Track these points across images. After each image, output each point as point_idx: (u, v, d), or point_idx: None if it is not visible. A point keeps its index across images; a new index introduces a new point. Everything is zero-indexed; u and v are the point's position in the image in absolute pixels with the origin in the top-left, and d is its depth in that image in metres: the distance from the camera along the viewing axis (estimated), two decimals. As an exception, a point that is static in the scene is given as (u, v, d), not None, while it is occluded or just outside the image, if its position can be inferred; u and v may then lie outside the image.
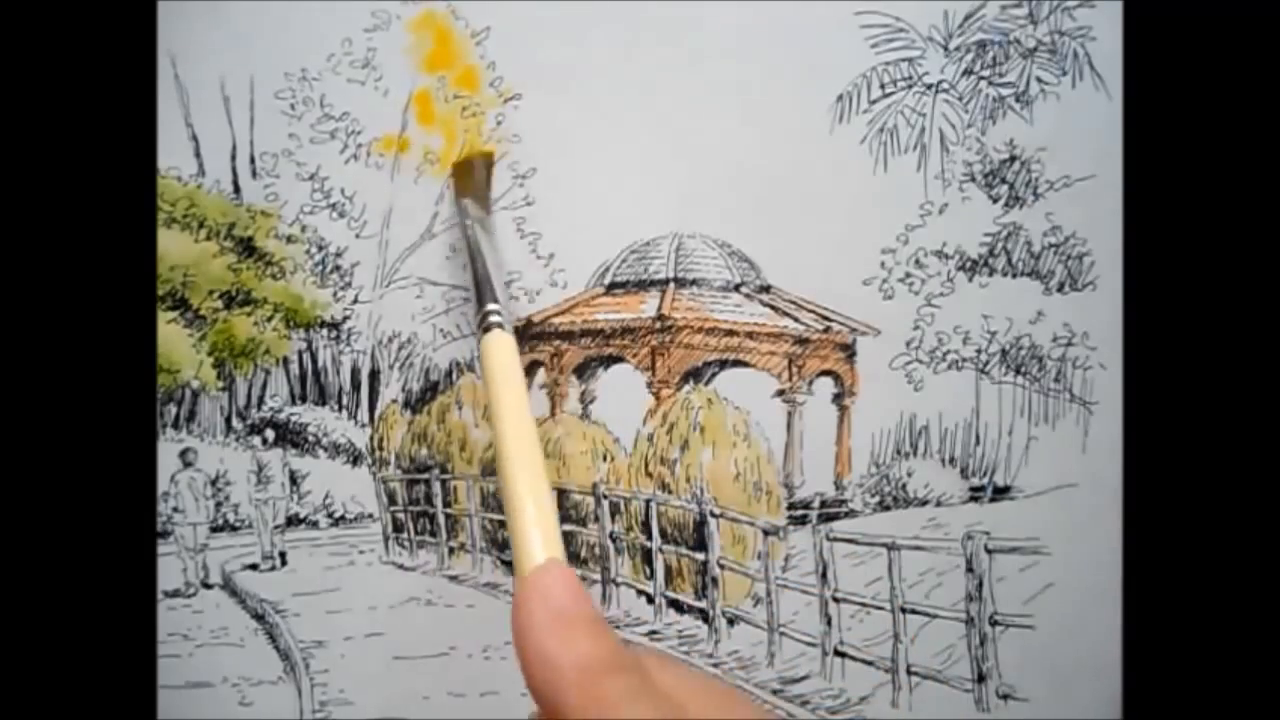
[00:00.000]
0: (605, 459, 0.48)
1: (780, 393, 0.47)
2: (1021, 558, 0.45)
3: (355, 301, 0.46)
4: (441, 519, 0.48)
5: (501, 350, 0.35)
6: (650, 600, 0.48)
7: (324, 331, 0.47)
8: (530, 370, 0.47)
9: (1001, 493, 0.45)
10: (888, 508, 0.46)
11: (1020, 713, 0.45)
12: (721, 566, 0.48)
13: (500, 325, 0.36)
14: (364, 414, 0.47)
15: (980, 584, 0.45)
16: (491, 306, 0.37)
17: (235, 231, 0.46)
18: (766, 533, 0.47)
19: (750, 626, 0.47)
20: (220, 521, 0.48)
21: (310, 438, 0.48)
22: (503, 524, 0.49)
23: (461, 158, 0.44)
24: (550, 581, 0.27)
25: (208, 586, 0.48)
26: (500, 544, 0.49)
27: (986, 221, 0.45)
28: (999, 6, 0.44)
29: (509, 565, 0.49)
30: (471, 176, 0.44)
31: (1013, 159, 0.45)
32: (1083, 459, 0.45)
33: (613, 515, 0.48)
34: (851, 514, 0.46)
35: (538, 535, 0.28)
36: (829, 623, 0.46)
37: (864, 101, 0.44)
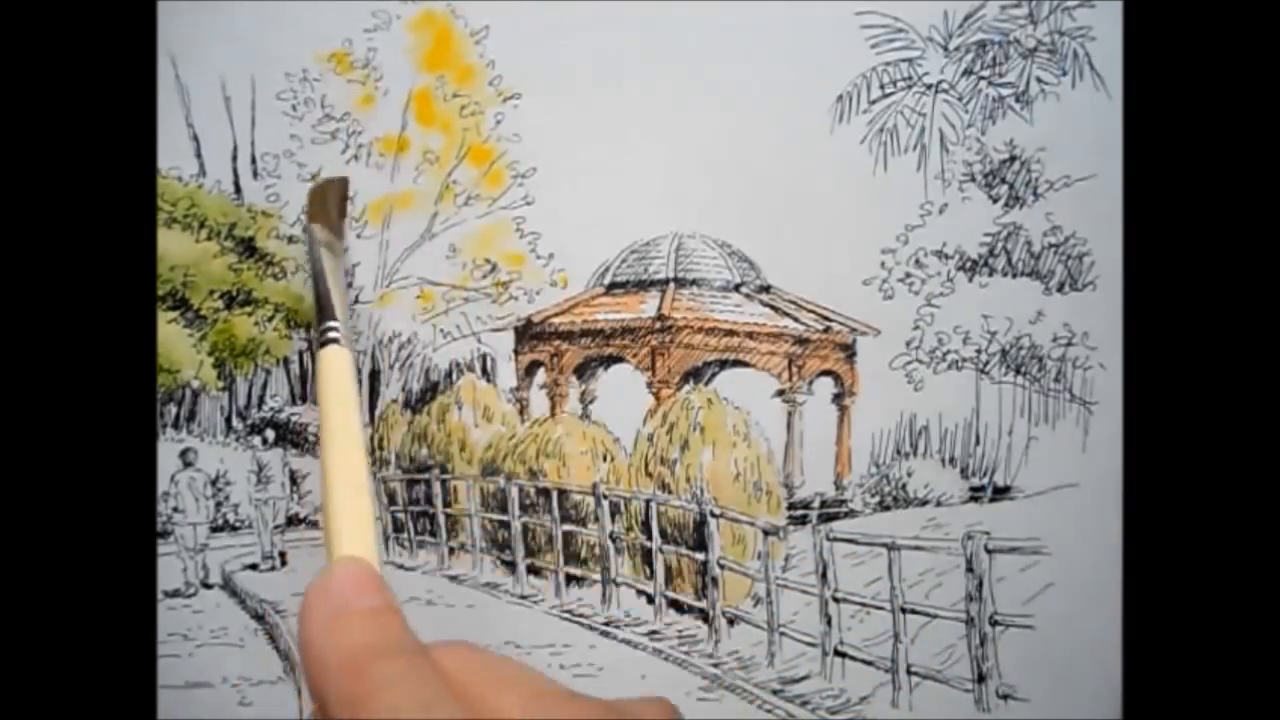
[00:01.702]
0: (605, 459, 0.48)
1: (780, 393, 0.47)
2: (1021, 558, 0.45)
3: (356, 301, 0.46)
4: (441, 519, 0.48)
5: (337, 363, 0.36)
6: (650, 600, 0.48)
7: (324, 331, 0.47)
8: (530, 370, 0.47)
9: (1001, 493, 0.45)
10: (888, 508, 0.46)
11: (1020, 713, 0.45)
12: (721, 566, 0.48)
13: (337, 341, 0.37)
14: (364, 414, 0.47)
15: (980, 584, 0.45)
16: (331, 323, 0.38)
17: (236, 232, 0.46)
18: (766, 533, 0.47)
19: (750, 626, 0.47)
20: (220, 521, 0.48)
21: (310, 438, 0.48)
22: (504, 524, 0.49)
23: (316, 184, 0.45)
24: (335, 577, 0.26)
25: (208, 586, 0.48)
26: (501, 544, 0.49)
27: (986, 221, 0.45)
28: (999, 6, 0.44)
29: (509, 565, 0.49)
30: (325, 202, 0.44)
31: (1013, 159, 0.45)
32: (1083, 459, 0.45)
33: (613, 515, 0.48)
34: (851, 514, 0.46)
35: (345, 527, 0.29)
36: (829, 623, 0.46)
37: (864, 101, 0.44)
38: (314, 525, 0.48)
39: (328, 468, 0.31)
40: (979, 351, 0.45)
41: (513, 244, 0.46)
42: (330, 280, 0.41)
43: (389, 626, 0.25)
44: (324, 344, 0.37)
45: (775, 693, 0.46)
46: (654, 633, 0.48)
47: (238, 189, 0.46)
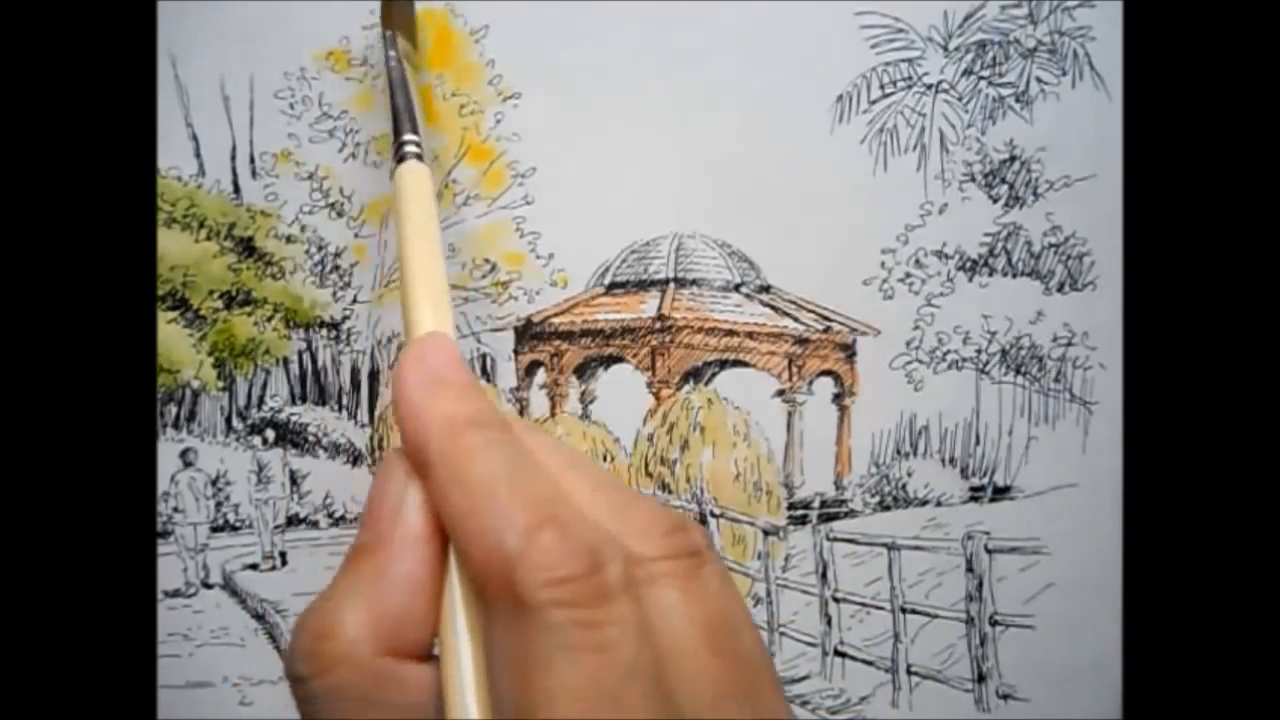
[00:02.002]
0: (605, 459, 0.48)
1: (780, 393, 0.47)
2: (1021, 558, 0.45)
3: (355, 301, 0.46)
4: (441, 519, 0.48)
5: (417, 179, 0.35)
6: (650, 600, 0.48)
7: (324, 331, 0.47)
8: (530, 370, 0.47)
9: (1001, 493, 0.45)
10: (888, 508, 0.46)
11: (1020, 713, 0.45)
12: (721, 566, 0.48)
13: (418, 156, 0.36)
14: (364, 414, 0.47)
15: (980, 584, 0.45)
16: (409, 137, 0.37)
17: (235, 231, 0.46)
18: (766, 533, 0.47)
19: (750, 626, 0.47)
20: (220, 521, 0.48)
21: (310, 438, 0.48)
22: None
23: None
24: (429, 347, 0.28)
25: (208, 586, 0.48)
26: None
27: (986, 221, 0.45)
28: (999, 6, 0.44)
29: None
30: (402, 11, 0.43)
31: (1013, 159, 0.45)
32: (1083, 459, 0.45)
33: (613, 515, 0.48)
34: (851, 514, 0.46)
35: (428, 308, 0.30)
36: (829, 623, 0.46)
37: (864, 101, 0.44)
38: (314, 525, 0.48)
39: (408, 259, 0.32)
40: (979, 351, 0.45)
41: (513, 244, 0.46)
42: (411, 91, 0.39)
43: (481, 401, 0.27)
44: (401, 159, 0.36)
45: (775, 693, 0.46)
46: (654, 633, 0.48)
47: (237, 189, 0.46)
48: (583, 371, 0.48)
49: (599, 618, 0.22)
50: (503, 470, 0.24)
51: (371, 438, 0.47)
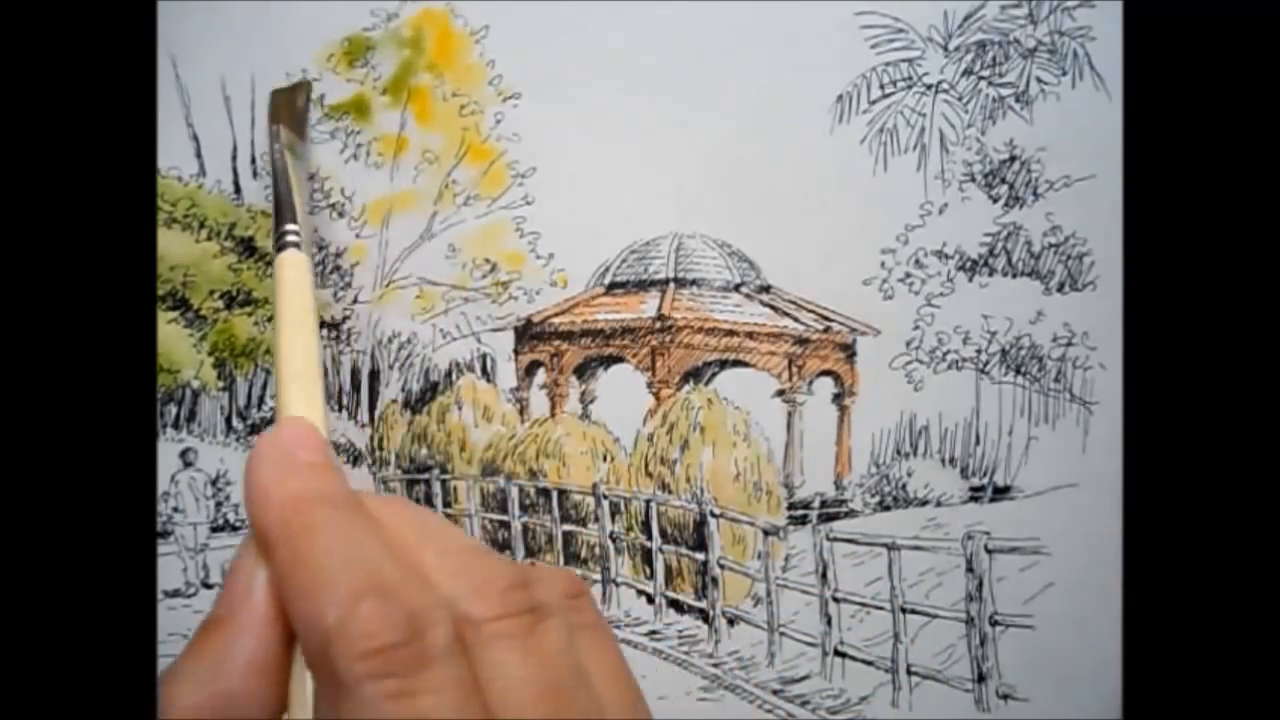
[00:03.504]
0: (605, 459, 0.48)
1: (780, 393, 0.47)
2: (1021, 558, 0.45)
3: (355, 301, 0.46)
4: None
5: (295, 267, 0.35)
6: (650, 600, 0.48)
7: (324, 331, 0.47)
8: (530, 370, 0.47)
9: (1001, 493, 0.45)
10: (888, 508, 0.46)
11: (1020, 713, 0.45)
12: (721, 566, 0.48)
13: (296, 245, 0.36)
14: (364, 414, 0.47)
15: (980, 584, 0.45)
16: (289, 226, 0.37)
17: (236, 231, 0.46)
18: (766, 533, 0.47)
19: (750, 626, 0.47)
20: (220, 521, 0.48)
21: (310, 438, 0.48)
22: (504, 524, 0.49)
23: (279, 88, 0.44)
24: (286, 429, 0.28)
25: (208, 586, 0.48)
26: (501, 544, 0.49)
27: (986, 221, 0.45)
28: (999, 6, 0.44)
29: (509, 565, 0.49)
30: (289, 104, 0.44)
31: (1013, 159, 0.45)
32: (1083, 459, 0.45)
33: (613, 515, 0.48)
34: (851, 514, 0.46)
35: (298, 394, 0.30)
36: (829, 623, 0.46)
37: (864, 101, 0.44)
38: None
39: (281, 349, 0.32)
40: (979, 351, 0.45)
41: (512, 244, 0.46)
42: (292, 182, 0.40)
43: (330, 479, 0.26)
44: (281, 248, 0.36)
45: (775, 693, 0.46)
46: (654, 633, 0.48)
47: (237, 189, 0.46)
48: (583, 371, 0.48)
49: (415, 686, 0.21)
50: (337, 544, 0.24)
51: (371, 438, 0.47)
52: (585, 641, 0.25)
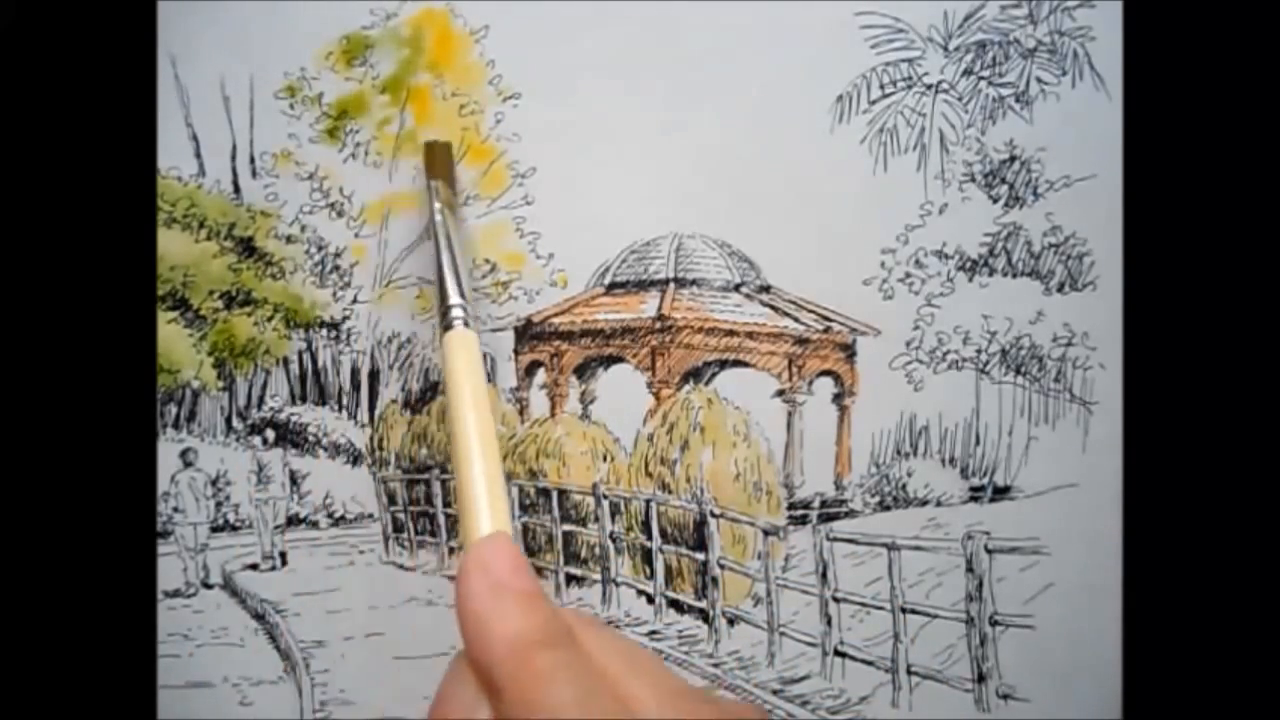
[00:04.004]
0: (605, 459, 0.48)
1: (780, 393, 0.47)
2: (1021, 558, 0.45)
3: (355, 301, 0.46)
4: (441, 519, 0.48)
5: (466, 348, 0.35)
6: (650, 600, 0.48)
7: (324, 331, 0.47)
8: (530, 370, 0.47)
9: (1001, 493, 0.45)
10: (888, 508, 0.46)
11: (1020, 713, 0.45)
12: (721, 566, 0.48)
13: (465, 322, 0.36)
14: (364, 414, 0.47)
15: (980, 584, 0.45)
16: (455, 300, 0.36)
17: (235, 231, 0.46)
18: (766, 533, 0.47)
19: (750, 626, 0.47)
20: (220, 521, 0.48)
21: (310, 438, 0.48)
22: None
23: (432, 140, 0.44)
24: (491, 553, 0.27)
25: (208, 586, 0.48)
26: (500, 544, 0.49)
27: (986, 221, 0.45)
28: (999, 6, 0.44)
29: (509, 565, 0.49)
30: (444, 158, 0.43)
31: (1013, 159, 0.45)
32: (1083, 459, 0.45)
33: (613, 515, 0.48)
34: (851, 514, 0.46)
35: (485, 508, 0.29)
36: (829, 623, 0.46)
37: (864, 101, 0.44)
38: (314, 525, 0.48)
39: (461, 450, 0.31)
40: (979, 351, 0.45)
41: (513, 244, 0.46)
42: (457, 250, 0.38)
43: (546, 613, 0.26)
44: (448, 326, 0.35)
45: (775, 693, 0.46)
46: (654, 633, 0.48)
47: (237, 189, 0.46)
48: (583, 371, 0.48)
49: None
50: (570, 698, 0.24)
51: (371, 438, 0.47)
52: None
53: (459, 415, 0.32)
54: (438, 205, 0.40)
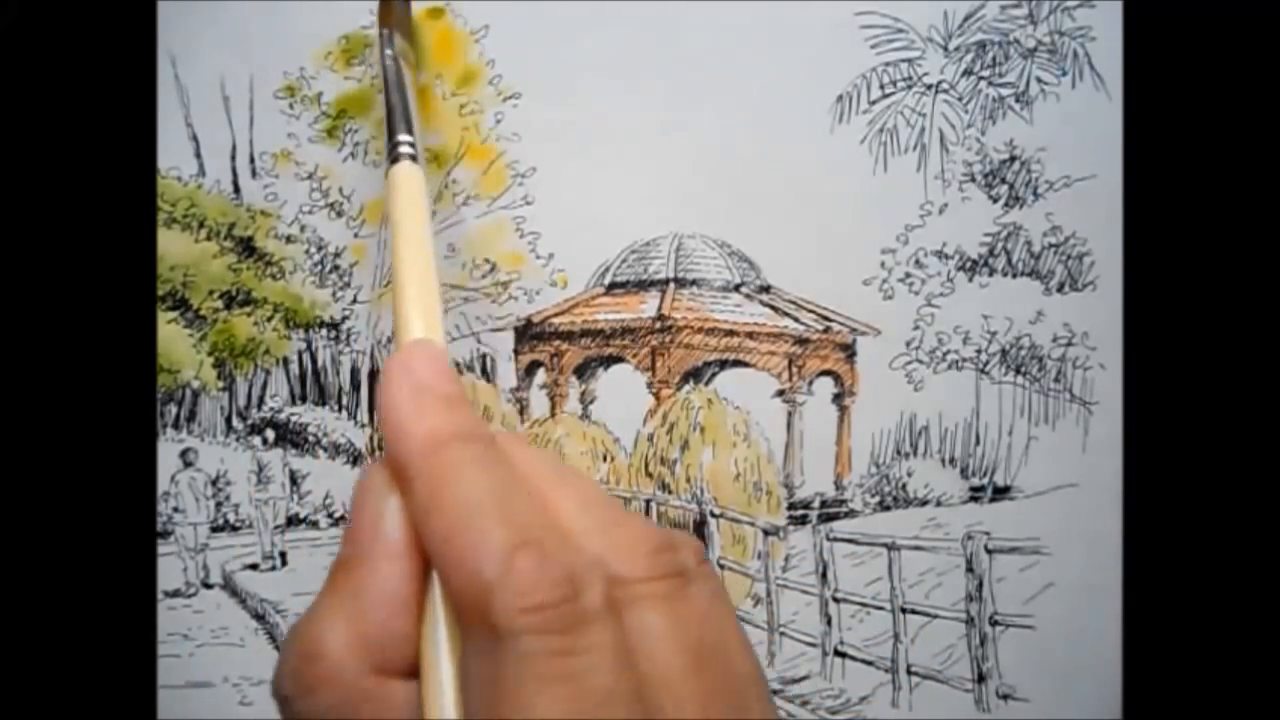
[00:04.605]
0: (605, 459, 0.48)
1: (780, 393, 0.47)
2: (1021, 558, 0.45)
3: (355, 301, 0.46)
4: (441, 519, 0.48)
5: (409, 179, 0.35)
6: (650, 600, 0.48)
7: (324, 331, 0.47)
8: (530, 370, 0.47)
9: (1001, 493, 0.45)
10: (888, 508, 0.46)
11: (1020, 713, 0.45)
12: (721, 566, 0.48)
13: (412, 157, 0.36)
14: (364, 414, 0.47)
15: (980, 584, 0.45)
16: (403, 137, 0.36)
17: (235, 231, 0.46)
18: (766, 533, 0.47)
19: (750, 626, 0.47)
20: (220, 521, 0.48)
21: (310, 438, 0.48)
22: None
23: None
24: (416, 355, 0.27)
25: (208, 586, 0.48)
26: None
27: (986, 221, 0.45)
28: (999, 6, 0.44)
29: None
30: (398, 13, 0.43)
31: (1013, 159, 0.45)
32: (1083, 459, 0.45)
33: (613, 515, 0.48)
34: (851, 514, 0.46)
35: (417, 314, 0.29)
36: (829, 623, 0.46)
37: (864, 102, 0.44)
38: (314, 525, 0.48)
39: (399, 264, 0.31)
40: (979, 351, 0.45)
41: (512, 244, 0.46)
42: (406, 90, 0.39)
43: (465, 413, 0.26)
44: (395, 159, 0.36)
45: (775, 693, 0.46)
46: (654, 633, 0.48)
47: (236, 189, 0.46)
48: (583, 371, 0.48)
49: (573, 645, 0.22)
50: (484, 491, 0.24)
51: (371, 438, 0.47)
52: (719, 608, 0.25)
53: (398, 238, 0.32)
54: (389, 52, 0.41)
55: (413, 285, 0.31)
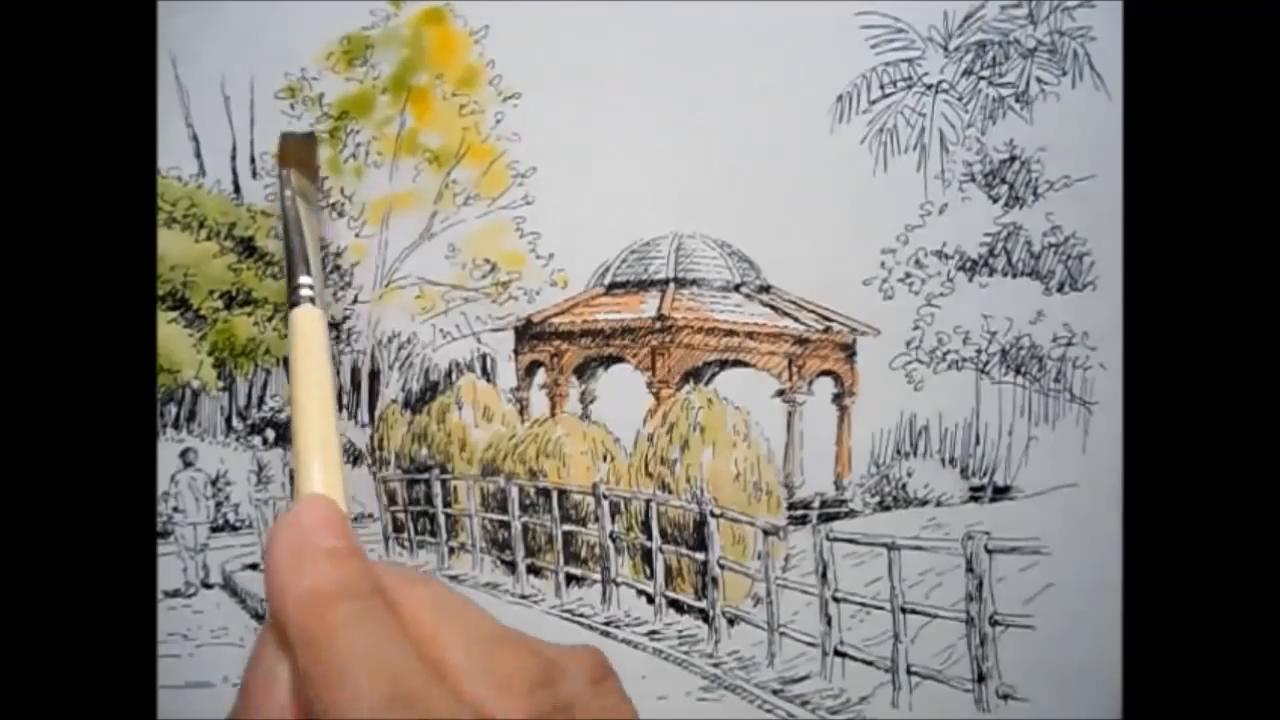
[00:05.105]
0: (605, 459, 0.48)
1: (780, 393, 0.47)
2: (1021, 558, 0.45)
3: (355, 301, 0.46)
4: (441, 519, 0.48)
5: (309, 323, 0.35)
6: (650, 600, 0.48)
7: (324, 331, 0.47)
8: (530, 370, 0.47)
9: (1001, 493, 0.45)
10: (888, 508, 0.46)
11: (1020, 713, 0.45)
12: (721, 566, 0.48)
13: (311, 300, 0.36)
14: (364, 414, 0.47)
15: (980, 584, 0.45)
16: (303, 279, 0.37)
17: (235, 231, 0.46)
18: (766, 533, 0.47)
19: (750, 626, 0.47)
20: (220, 521, 0.48)
21: (310, 438, 0.48)
22: (504, 524, 0.49)
23: (286, 133, 0.44)
24: (302, 513, 0.27)
25: (208, 586, 0.48)
26: (501, 544, 0.49)
27: (986, 221, 0.45)
28: (999, 6, 0.44)
29: (510, 565, 0.49)
30: (300, 150, 0.43)
31: (1013, 159, 0.45)
32: (1083, 459, 0.45)
33: (613, 515, 0.48)
34: (851, 514, 0.46)
35: (315, 467, 0.29)
36: (829, 623, 0.46)
37: (864, 102, 0.44)
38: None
39: (298, 416, 0.31)
40: (979, 351, 0.45)
41: (512, 244, 0.46)
42: (305, 231, 0.39)
43: (349, 568, 0.26)
44: (294, 304, 0.36)
45: (775, 693, 0.46)
46: (654, 633, 0.48)
47: (237, 189, 0.46)
48: (583, 371, 0.48)
49: None
50: (360, 647, 0.24)
51: (372, 438, 0.47)
52: None
53: (297, 387, 0.32)
54: (288, 193, 0.41)
55: (312, 435, 0.31)
